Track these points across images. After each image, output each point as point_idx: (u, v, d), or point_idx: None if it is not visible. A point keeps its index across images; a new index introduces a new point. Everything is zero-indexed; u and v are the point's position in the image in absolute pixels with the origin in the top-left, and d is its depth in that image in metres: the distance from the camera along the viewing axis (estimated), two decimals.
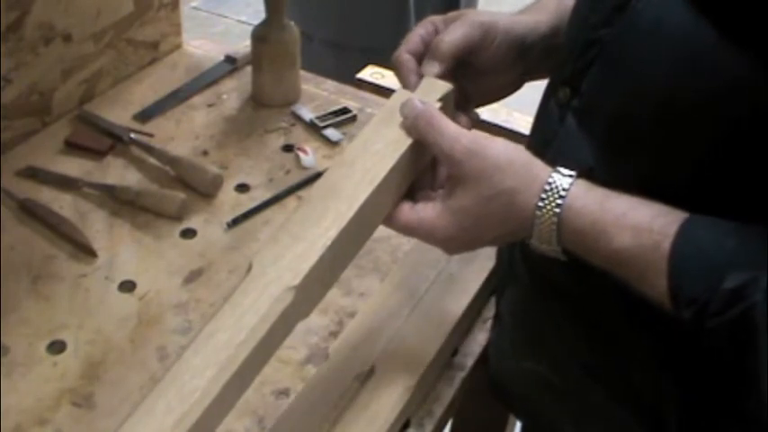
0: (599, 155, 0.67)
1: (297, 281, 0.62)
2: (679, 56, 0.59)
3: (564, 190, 0.63)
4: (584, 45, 0.68)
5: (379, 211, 0.70)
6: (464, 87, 0.78)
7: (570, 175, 0.63)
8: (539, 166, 0.65)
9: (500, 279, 0.84)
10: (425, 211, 0.68)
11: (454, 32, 0.74)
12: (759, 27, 0.55)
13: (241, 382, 0.61)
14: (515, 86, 0.80)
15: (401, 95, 0.74)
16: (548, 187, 0.63)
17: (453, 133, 0.67)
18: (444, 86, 0.74)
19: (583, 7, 0.71)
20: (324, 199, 0.67)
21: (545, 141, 0.72)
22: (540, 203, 0.63)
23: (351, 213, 0.66)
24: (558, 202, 0.62)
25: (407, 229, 0.70)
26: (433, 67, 0.74)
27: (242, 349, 0.60)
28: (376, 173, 0.68)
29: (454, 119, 0.73)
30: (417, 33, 0.77)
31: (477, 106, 0.81)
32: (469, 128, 0.75)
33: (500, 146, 0.66)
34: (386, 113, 0.73)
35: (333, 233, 0.65)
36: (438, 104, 0.72)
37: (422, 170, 0.73)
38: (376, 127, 0.72)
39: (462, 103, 0.78)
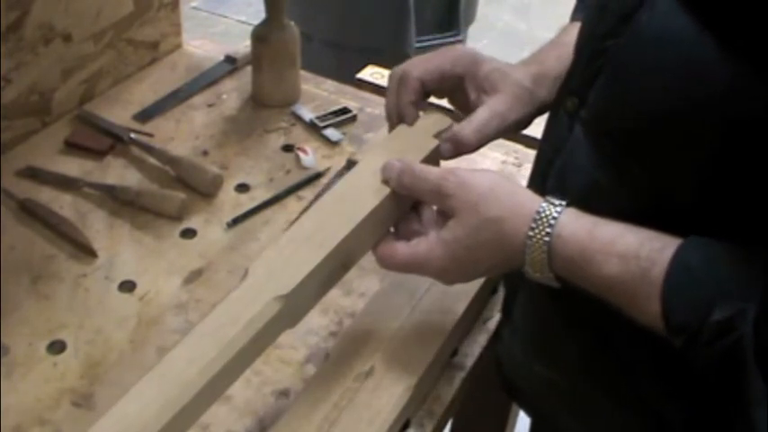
0: (605, 165, 0.67)
1: (286, 291, 0.66)
2: (683, 67, 0.59)
3: (553, 218, 0.64)
4: (591, 55, 0.68)
5: (365, 239, 0.73)
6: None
7: (560, 204, 0.65)
8: (524, 194, 0.68)
9: (512, 282, 0.84)
10: (419, 246, 0.70)
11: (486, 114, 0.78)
12: (760, 40, 0.55)
13: (221, 383, 0.64)
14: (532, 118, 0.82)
15: (399, 130, 0.79)
16: (537, 216, 0.65)
17: (438, 173, 0.70)
18: (443, 122, 0.79)
19: (591, 17, 0.71)
20: (319, 221, 0.71)
21: (555, 150, 0.73)
22: (531, 232, 0.64)
23: (339, 238, 0.69)
24: (548, 230, 0.64)
25: (403, 266, 0.72)
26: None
27: (228, 349, 0.63)
28: (364, 204, 0.72)
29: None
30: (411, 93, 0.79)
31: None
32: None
33: (486, 177, 0.69)
34: (389, 138, 0.79)
35: (322, 254, 0.68)
36: (435, 142, 0.78)
37: (409, 209, 0.76)
38: (372, 156, 0.77)
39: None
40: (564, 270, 0.65)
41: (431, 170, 0.71)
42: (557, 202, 0.65)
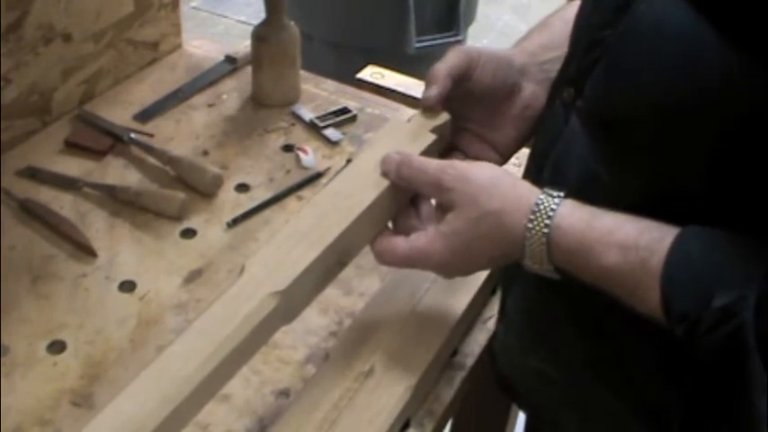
0: (602, 156, 0.67)
1: (283, 287, 0.66)
2: (679, 58, 0.59)
3: (552, 210, 0.64)
4: (588, 45, 0.68)
5: (363, 235, 0.73)
6: (484, 136, 0.81)
7: (558, 196, 0.65)
8: (524, 187, 0.68)
9: (507, 276, 0.84)
10: (418, 240, 0.70)
11: (444, 59, 0.78)
12: (759, 30, 0.55)
13: (219, 380, 0.64)
14: (530, 119, 0.81)
15: (396, 126, 0.79)
16: (536, 208, 0.65)
17: (437, 166, 0.70)
18: (441, 117, 0.79)
19: (586, 7, 0.71)
20: (315, 216, 0.71)
21: (550, 141, 0.73)
22: (530, 224, 0.65)
23: (336, 233, 0.69)
24: (547, 222, 0.64)
25: (403, 261, 0.72)
26: (431, 91, 0.77)
27: (225, 345, 0.63)
28: (364, 197, 0.72)
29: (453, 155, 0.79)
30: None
31: (509, 155, 0.82)
32: None
33: (485, 169, 0.69)
34: (386, 133, 0.78)
35: (318, 250, 0.68)
36: (432, 137, 0.77)
37: (406, 204, 0.75)
38: (368, 151, 0.76)
39: (493, 156, 0.81)
40: (563, 261, 0.65)
41: (430, 162, 0.72)
42: (554, 193, 0.65)
